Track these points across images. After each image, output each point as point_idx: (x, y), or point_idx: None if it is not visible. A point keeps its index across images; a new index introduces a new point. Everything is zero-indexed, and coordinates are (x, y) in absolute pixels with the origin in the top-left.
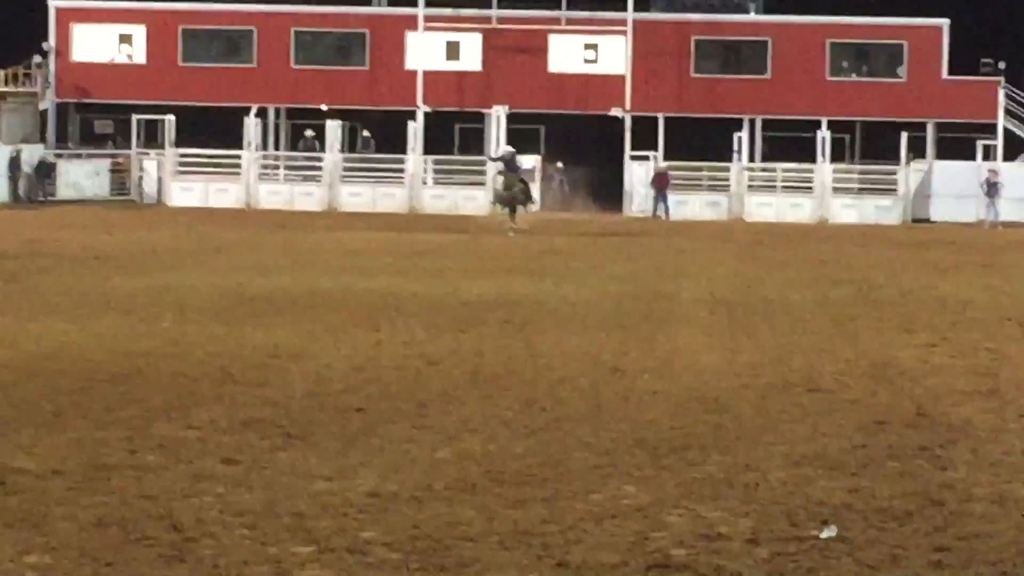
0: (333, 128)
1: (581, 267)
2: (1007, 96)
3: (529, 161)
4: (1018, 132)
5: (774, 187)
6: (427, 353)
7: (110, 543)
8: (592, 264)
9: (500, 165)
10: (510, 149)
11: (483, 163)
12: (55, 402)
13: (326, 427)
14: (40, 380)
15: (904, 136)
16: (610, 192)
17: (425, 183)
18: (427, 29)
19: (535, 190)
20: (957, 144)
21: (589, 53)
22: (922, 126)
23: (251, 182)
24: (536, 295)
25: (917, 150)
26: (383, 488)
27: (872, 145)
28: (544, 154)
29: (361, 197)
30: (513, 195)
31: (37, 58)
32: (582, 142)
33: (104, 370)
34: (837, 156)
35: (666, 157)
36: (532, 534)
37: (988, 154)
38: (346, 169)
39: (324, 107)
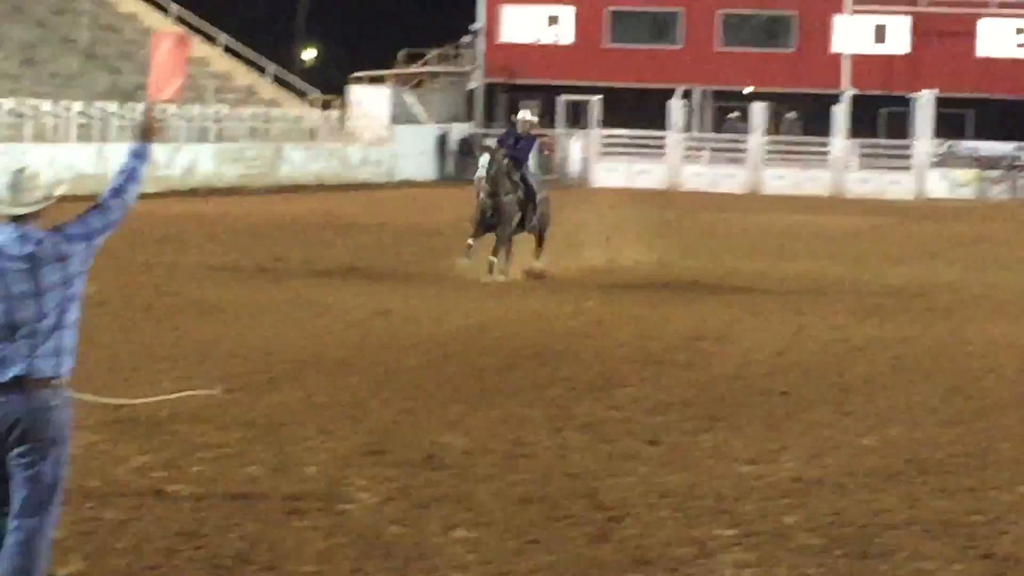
0: (758, 110)
1: (1008, 255)
2: None
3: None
4: None
5: None
6: (850, 338)
7: (534, 520)
8: (1020, 252)
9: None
10: (528, 118)
11: (909, 147)
12: (481, 379)
13: (749, 410)
14: (466, 357)
15: None
16: None
17: (849, 167)
18: (855, 12)
19: (966, 177)
20: None
21: (1021, 37)
22: None
23: (675, 164)
24: (961, 282)
25: None
26: (806, 473)
27: None
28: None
29: (784, 180)
30: (500, 208)
31: (466, 38)
32: (1012, 127)
33: (529, 348)
34: None
35: None
36: (957, 524)
37: None
38: (770, 152)
39: (749, 89)
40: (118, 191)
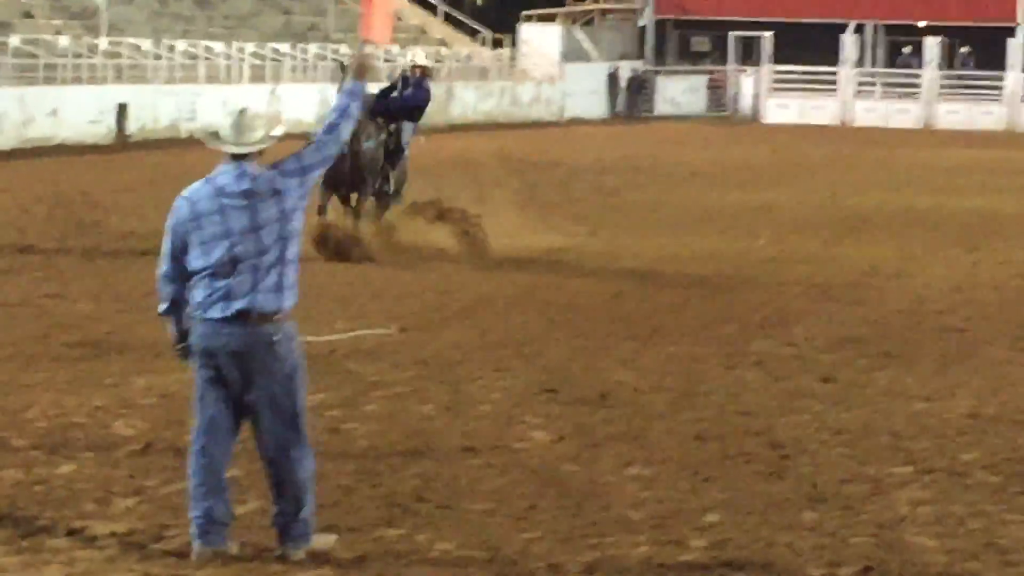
0: (931, 45)
1: None
2: None
3: None
4: None
5: None
6: None
7: (709, 458)
8: None
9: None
10: (420, 62)
11: None
12: (653, 317)
13: (924, 347)
14: (638, 295)
15: None
16: None
17: None
18: None
19: None
20: None
21: None
22: None
23: (847, 99)
24: None
25: None
26: (982, 410)
27: None
28: None
29: (958, 115)
30: (359, 157)
31: None
32: None
33: (701, 285)
34: None
35: None
36: None
37: None
38: (943, 86)
39: (922, 23)
40: (332, 127)
